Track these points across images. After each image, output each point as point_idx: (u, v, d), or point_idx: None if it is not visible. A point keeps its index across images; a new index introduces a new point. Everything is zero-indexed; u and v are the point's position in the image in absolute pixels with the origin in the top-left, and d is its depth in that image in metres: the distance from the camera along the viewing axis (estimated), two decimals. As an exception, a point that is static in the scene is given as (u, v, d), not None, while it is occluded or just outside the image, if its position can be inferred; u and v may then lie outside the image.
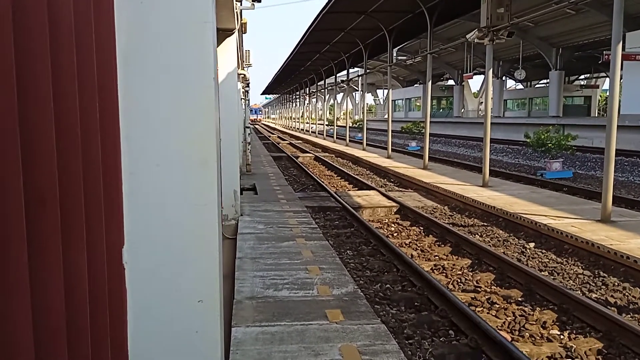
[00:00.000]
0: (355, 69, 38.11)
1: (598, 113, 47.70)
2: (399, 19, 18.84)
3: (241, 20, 10.45)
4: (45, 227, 1.15)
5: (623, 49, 9.39)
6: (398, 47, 39.70)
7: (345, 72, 32.25)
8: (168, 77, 1.85)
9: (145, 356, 1.95)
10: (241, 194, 11.78)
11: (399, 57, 43.25)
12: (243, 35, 13.44)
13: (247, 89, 21.93)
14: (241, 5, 8.66)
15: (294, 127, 65.07)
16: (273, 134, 56.25)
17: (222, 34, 8.43)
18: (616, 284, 6.39)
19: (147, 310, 1.94)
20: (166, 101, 1.85)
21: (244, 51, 19.54)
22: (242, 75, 16.22)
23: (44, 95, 1.15)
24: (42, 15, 1.14)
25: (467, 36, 12.50)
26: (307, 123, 54.95)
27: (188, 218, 1.89)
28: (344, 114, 47.69)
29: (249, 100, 25.19)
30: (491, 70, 13.22)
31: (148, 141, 1.86)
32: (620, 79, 42.43)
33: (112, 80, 1.68)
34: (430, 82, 17.30)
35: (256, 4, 8.55)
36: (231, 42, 8.67)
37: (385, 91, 25.00)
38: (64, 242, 1.22)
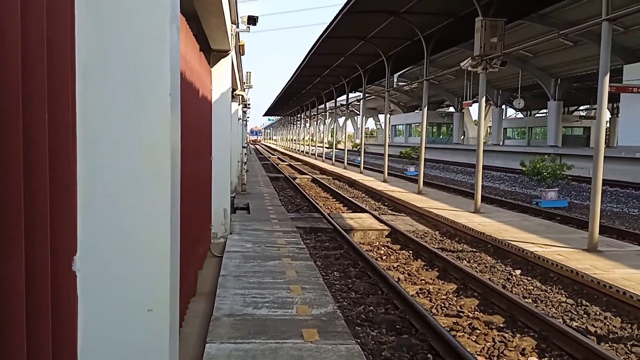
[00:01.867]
0: (356, 93, 38.46)
1: (597, 144, 47.81)
2: (397, 46, 19.13)
3: (238, 42, 10.64)
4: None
5: (611, 80, 9.52)
6: (399, 73, 40.16)
7: (345, 96, 32.54)
8: (125, 91, 1.92)
9: (94, 362, 1.98)
10: (234, 212, 11.84)
11: (400, 83, 43.68)
12: (241, 56, 13.64)
13: (245, 109, 22.13)
14: (237, 28, 8.82)
15: (295, 149, 65.39)
16: (273, 154, 56.53)
17: (217, 55, 8.58)
18: (598, 313, 6.38)
19: (97, 318, 1.98)
20: (123, 115, 1.92)
21: (244, 72, 19.79)
22: (240, 96, 16.40)
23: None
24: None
25: (461, 64, 12.69)
26: (307, 145, 55.24)
27: (139, 227, 1.95)
28: (345, 137, 48.07)
29: (247, 120, 25.39)
30: (484, 98, 13.37)
31: (104, 152, 1.92)
32: (617, 111, 42.73)
33: (68, 92, 1.75)
34: (426, 108, 17.48)
35: (252, 27, 8.71)
36: (226, 63, 8.82)
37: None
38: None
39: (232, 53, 9.23)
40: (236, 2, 8.30)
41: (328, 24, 17.20)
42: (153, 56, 1.90)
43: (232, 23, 8.32)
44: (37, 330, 1.63)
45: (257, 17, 8.69)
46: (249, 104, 24.62)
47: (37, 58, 1.50)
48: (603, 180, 9.04)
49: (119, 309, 2.00)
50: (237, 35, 9.57)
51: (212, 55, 8.54)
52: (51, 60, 1.62)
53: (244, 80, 20.06)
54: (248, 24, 8.69)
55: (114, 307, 1.99)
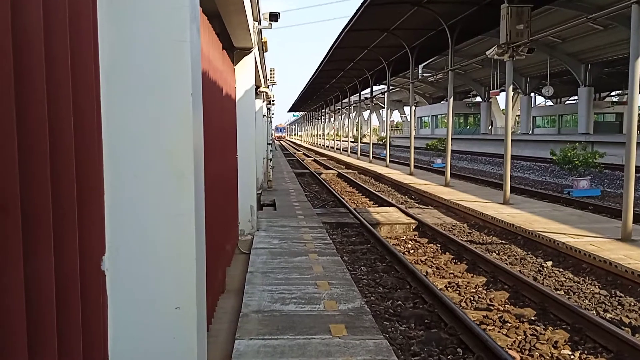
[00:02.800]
0: (380, 85, 38.23)
1: (630, 130, 46.49)
2: (421, 37, 18.92)
3: (261, 39, 10.68)
4: (4, 234, 1.23)
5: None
6: (424, 64, 39.74)
7: (369, 89, 32.38)
8: (148, 93, 1.95)
9: (125, 361, 2.03)
10: (260, 209, 11.93)
11: (425, 74, 43.22)
12: (264, 53, 13.69)
13: (269, 106, 22.22)
14: (259, 25, 8.85)
15: (320, 144, 65.43)
16: (299, 150, 56.68)
17: (240, 52, 8.63)
18: (632, 304, 6.22)
19: (126, 317, 2.02)
20: (146, 117, 1.95)
21: (267, 69, 19.86)
22: (264, 93, 16.47)
23: (7, 111, 1.24)
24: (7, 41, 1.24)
25: (487, 52, 12.47)
26: (332, 140, 55.19)
27: (164, 227, 1.98)
28: (370, 130, 47.77)
29: (272, 117, 25.50)
30: (511, 86, 13.12)
31: (128, 155, 1.96)
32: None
33: (93, 97, 1.78)
34: (452, 99, 17.25)
35: (273, 23, 8.73)
36: (249, 60, 8.87)
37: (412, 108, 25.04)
38: (25, 250, 1.30)
39: (255, 50, 9.27)
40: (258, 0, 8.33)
41: (351, 17, 17.12)
42: (174, 57, 1.92)
43: (254, 20, 8.35)
44: (68, 330, 1.67)
45: (279, 13, 8.70)
46: (273, 101, 24.73)
47: (61, 64, 1.53)
48: (637, 167, 8.78)
49: (147, 308, 2.03)
50: (260, 32, 9.60)
51: (235, 53, 8.59)
52: (75, 66, 1.65)
53: (267, 77, 20.14)
54: (270, 20, 8.71)
55: (142, 306, 2.02)
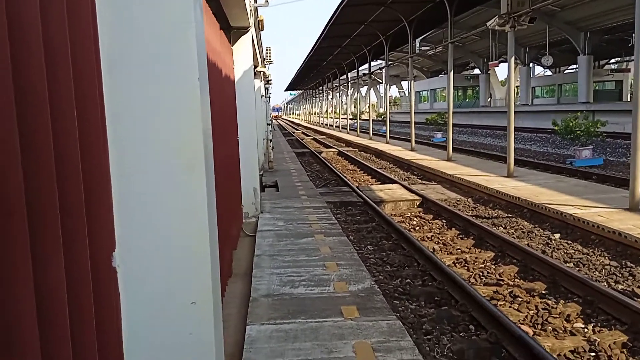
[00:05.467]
0: (378, 61, 37.83)
1: (630, 98, 46.23)
2: (419, 9, 18.60)
3: (257, 17, 10.46)
4: (12, 239, 1.15)
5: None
6: (420, 38, 39.27)
7: (367, 65, 32.04)
8: (152, 80, 1.84)
9: (141, 358, 1.97)
10: (263, 191, 11.86)
11: (422, 48, 42.73)
12: (261, 32, 13.45)
13: (267, 86, 21.99)
14: (255, 2, 8.65)
15: (318, 123, 65.08)
16: (297, 129, 56.39)
17: (237, 32, 8.45)
18: (644, 274, 6.19)
19: (141, 313, 1.95)
20: (152, 105, 1.85)
21: (264, 48, 19.58)
22: (262, 73, 16.25)
23: (7, 105, 1.15)
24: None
25: (488, 23, 12.24)
26: (330, 118, 54.88)
27: (177, 221, 1.89)
28: (369, 107, 47.33)
29: (269, 97, 25.27)
30: (513, 57, 12.92)
31: (136, 147, 1.86)
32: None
33: (95, 86, 1.68)
34: (452, 72, 17.03)
35: (270, 0, 8.53)
36: (246, 40, 8.69)
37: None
38: (34, 252, 1.23)
39: (252, 29, 9.08)
40: (253, -23, 8.12)
41: (346, -8, 16.80)
42: (179, 40, 1.81)
43: (249, -2, 8.15)
44: (81, 330, 1.60)
45: (275, -10, 8.49)
46: (270, 80, 24.46)
47: (60, 56, 1.43)
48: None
49: (162, 303, 1.96)
50: (256, 10, 9.39)
51: (232, 33, 8.40)
52: (75, 56, 1.55)
53: (264, 57, 19.87)
54: (266, -3, 8.50)
55: (156, 302, 1.95)
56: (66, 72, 1.47)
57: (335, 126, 49.28)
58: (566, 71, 53.28)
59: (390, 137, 27.14)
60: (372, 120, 34.57)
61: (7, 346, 1.20)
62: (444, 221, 9.64)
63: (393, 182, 14.05)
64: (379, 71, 35.57)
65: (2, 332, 1.16)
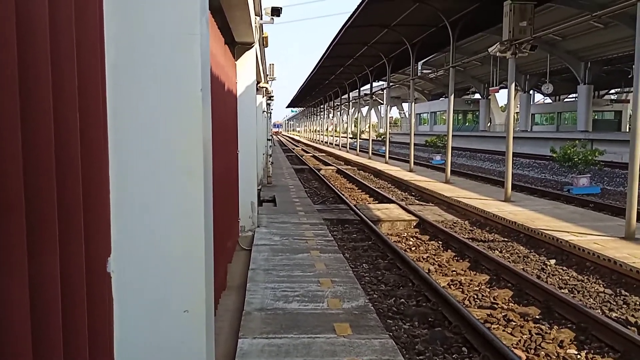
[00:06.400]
0: (380, 82, 38.13)
1: (629, 128, 46.49)
2: (422, 33, 18.82)
3: (262, 34, 10.58)
4: (9, 235, 1.16)
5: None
6: (423, 61, 39.62)
7: (369, 85, 32.27)
8: (156, 88, 1.87)
9: (132, 365, 1.96)
10: (261, 205, 11.85)
11: (424, 71, 43.10)
12: (265, 49, 13.59)
13: (269, 102, 22.12)
14: (261, 19, 8.76)
15: (319, 140, 65.29)
16: (297, 146, 56.54)
17: (241, 47, 8.54)
18: (638, 303, 6.17)
19: (134, 320, 1.95)
20: (153, 112, 1.88)
21: (267, 65, 19.75)
22: (264, 88, 16.38)
23: (11, 107, 1.17)
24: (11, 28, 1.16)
25: (489, 49, 12.39)
26: (330, 136, 55.09)
27: (173, 228, 1.90)
28: (369, 127, 47.50)
29: (271, 113, 25.40)
30: (514, 84, 13.05)
31: (135, 152, 1.88)
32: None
33: (99, 92, 1.71)
34: (452, 96, 17.17)
35: (275, 18, 8.63)
36: (250, 55, 8.77)
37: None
38: (30, 251, 1.24)
39: (256, 45, 9.18)
40: (259, -6, 8.23)
41: (351, 13, 17.00)
42: (184, 51, 1.85)
43: (255, 15, 8.26)
44: (73, 333, 1.60)
45: (281, 8, 8.60)
46: (272, 96, 24.62)
47: (66, 57, 1.46)
48: (640, 165, 8.71)
49: (155, 311, 1.96)
50: (261, 27, 9.51)
51: (237, 48, 8.50)
52: (80, 59, 1.58)
53: (267, 73, 20.03)
54: (272, 15, 8.61)
55: (149, 309, 1.95)
56: (71, 76, 1.50)
57: (335, 144, 49.45)
58: (566, 99, 53.72)
59: (390, 158, 27.23)
60: (372, 140, 34.70)
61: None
62: (440, 242, 9.63)
63: (390, 201, 14.06)
64: (380, 92, 35.89)
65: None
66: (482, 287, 7.08)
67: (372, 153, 31.38)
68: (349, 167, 26.69)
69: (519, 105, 48.39)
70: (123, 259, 1.89)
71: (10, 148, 1.16)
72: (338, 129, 53.17)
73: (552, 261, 8.12)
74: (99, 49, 1.74)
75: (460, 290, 6.95)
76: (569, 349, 5.12)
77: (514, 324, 5.72)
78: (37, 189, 1.30)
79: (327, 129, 63.73)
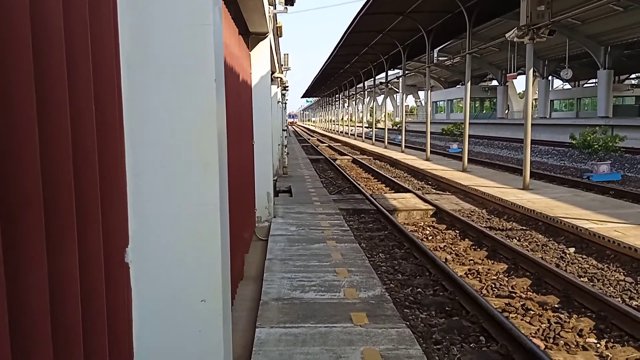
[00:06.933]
0: (395, 70, 37.81)
1: (651, 113, 45.58)
2: (437, 19, 18.59)
3: (276, 24, 10.55)
4: (28, 229, 1.18)
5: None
6: (439, 48, 39.19)
7: (384, 73, 32.05)
8: (170, 79, 1.88)
9: (151, 355, 1.99)
10: (277, 196, 11.90)
11: (440, 58, 42.64)
12: (279, 38, 13.55)
13: (284, 92, 22.10)
14: (275, 9, 8.73)
15: (334, 130, 65.15)
16: (312, 136, 56.50)
17: (255, 38, 8.53)
18: (660, 291, 6.09)
19: (152, 309, 1.97)
20: (168, 103, 1.88)
21: (282, 55, 19.71)
22: (279, 79, 16.36)
23: (27, 100, 1.18)
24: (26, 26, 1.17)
25: (507, 35, 12.19)
26: (346, 126, 54.93)
27: (190, 218, 1.92)
28: (385, 116, 47.25)
29: (286, 103, 25.39)
30: (532, 69, 12.84)
31: (151, 143, 1.89)
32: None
33: (114, 84, 1.72)
34: (469, 83, 16.96)
35: (289, 7, 8.60)
36: (264, 45, 8.76)
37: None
38: (48, 244, 1.25)
39: (270, 35, 9.16)
40: (273, -17, 8.20)
41: (365, 0, 16.86)
42: (197, 42, 1.85)
43: (269, 4, 8.23)
44: (93, 325, 1.63)
45: (295, -3, 8.56)
46: (287, 87, 24.60)
47: (81, 50, 1.46)
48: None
49: (173, 300, 1.99)
50: (275, 16, 9.47)
51: (251, 38, 8.48)
52: (95, 52, 1.58)
53: (281, 63, 20.00)
54: (286, 4, 8.57)
55: (167, 298, 1.98)
56: (85, 69, 1.51)
57: (351, 134, 49.31)
58: (585, 85, 52.76)
59: (406, 147, 27.08)
60: (388, 129, 34.53)
61: (19, 335, 1.22)
62: (457, 232, 9.57)
63: (407, 191, 14.00)
64: (395, 80, 35.57)
65: (14, 321, 1.18)
66: (500, 276, 7.03)
67: (388, 142, 31.23)
68: (365, 156, 26.61)
69: (537, 92, 47.64)
70: (141, 249, 1.92)
71: (26, 142, 1.18)
72: (353, 119, 53.00)
73: (572, 249, 8.03)
74: (113, 41, 1.74)
75: (478, 279, 6.91)
76: (589, 337, 5.07)
77: (532, 312, 5.68)
78: (55, 182, 1.31)
79: (342, 119, 63.58)
